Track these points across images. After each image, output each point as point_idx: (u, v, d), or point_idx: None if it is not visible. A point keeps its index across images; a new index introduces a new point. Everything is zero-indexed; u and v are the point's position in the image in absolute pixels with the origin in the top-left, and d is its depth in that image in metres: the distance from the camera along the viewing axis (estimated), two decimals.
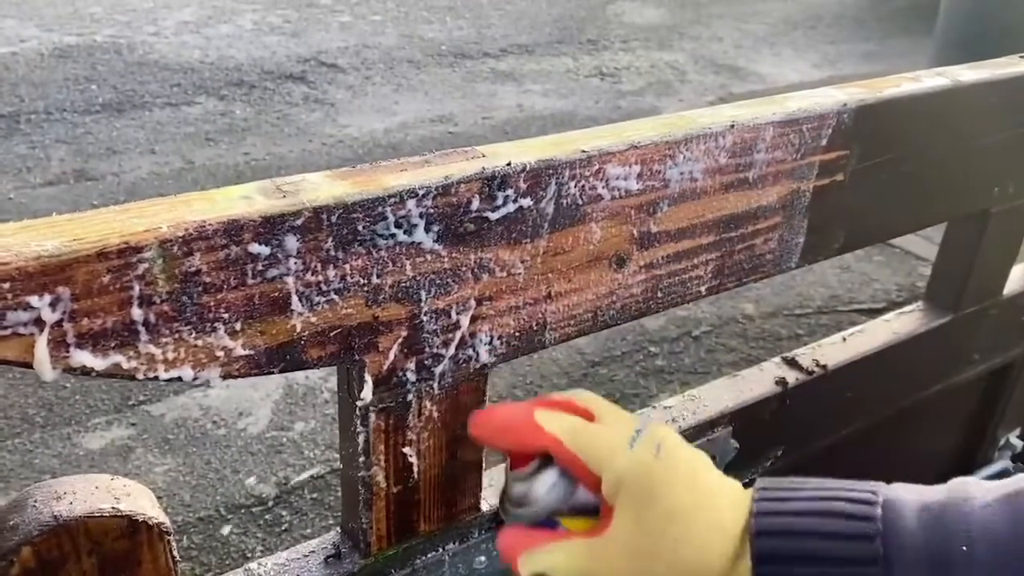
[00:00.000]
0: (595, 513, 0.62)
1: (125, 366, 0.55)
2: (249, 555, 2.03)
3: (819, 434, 1.11)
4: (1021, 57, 1.06)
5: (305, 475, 2.23)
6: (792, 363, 1.07)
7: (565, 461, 0.61)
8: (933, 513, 0.56)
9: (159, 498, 0.62)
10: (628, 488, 0.59)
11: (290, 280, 0.60)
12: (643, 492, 0.58)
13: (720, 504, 0.60)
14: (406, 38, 5.48)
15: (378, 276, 0.64)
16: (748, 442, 1.00)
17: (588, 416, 0.64)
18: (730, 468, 1.01)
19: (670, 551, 0.58)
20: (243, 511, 2.14)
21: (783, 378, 1.03)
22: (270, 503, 2.17)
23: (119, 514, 0.59)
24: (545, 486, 0.62)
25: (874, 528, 0.56)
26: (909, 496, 0.57)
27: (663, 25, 6.11)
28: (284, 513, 2.15)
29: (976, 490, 0.56)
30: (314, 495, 2.20)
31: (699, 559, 0.57)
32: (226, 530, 2.09)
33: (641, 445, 0.60)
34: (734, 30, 6.15)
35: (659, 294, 0.82)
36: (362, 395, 0.67)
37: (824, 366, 1.06)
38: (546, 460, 0.62)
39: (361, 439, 0.70)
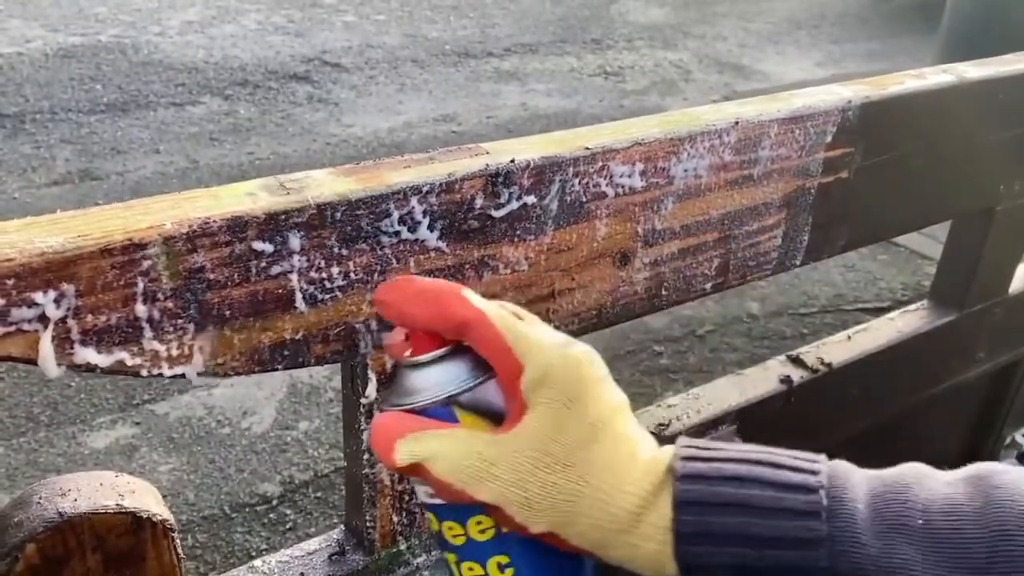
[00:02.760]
0: (497, 420, 0.52)
1: (129, 363, 0.55)
2: (254, 554, 2.03)
3: (824, 432, 1.11)
4: None
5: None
6: (797, 361, 1.06)
7: (486, 342, 0.51)
8: (885, 482, 0.50)
9: (164, 497, 0.62)
10: (554, 385, 0.50)
11: (294, 277, 0.60)
12: (570, 394, 0.50)
13: (639, 439, 0.52)
14: (410, 38, 5.48)
15: (382, 273, 0.64)
16: (752, 440, 1.00)
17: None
18: None
19: (584, 465, 0.49)
20: (248, 510, 2.15)
21: (788, 376, 1.03)
22: (275, 502, 2.17)
23: (123, 511, 0.59)
24: (450, 371, 0.52)
25: (817, 481, 0.49)
26: (857, 469, 0.51)
27: (667, 24, 6.11)
28: (289, 512, 2.15)
29: (932, 471, 0.51)
30: (318, 494, 2.21)
31: (613, 485, 0.50)
32: (231, 529, 2.09)
33: (575, 347, 0.52)
34: (738, 29, 6.14)
35: (663, 291, 0.82)
36: (366, 393, 0.67)
37: (829, 364, 1.06)
38: (456, 348, 0.53)
39: (365, 437, 0.70)
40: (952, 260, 1.19)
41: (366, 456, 0.70)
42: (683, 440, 0.52)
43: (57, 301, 0.51)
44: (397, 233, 0.63)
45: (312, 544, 0.77)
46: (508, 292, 0.72)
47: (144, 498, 0.61)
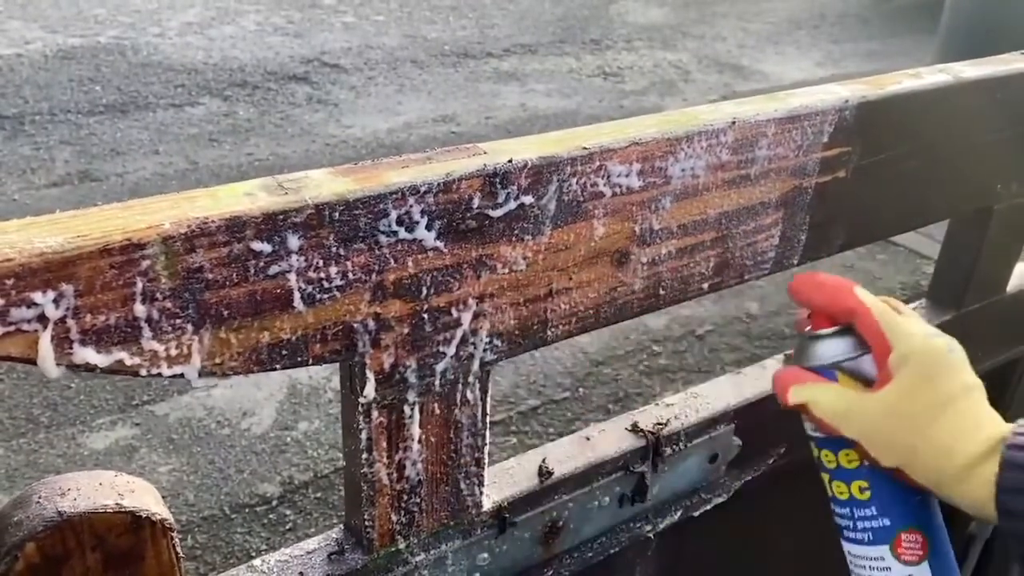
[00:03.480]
0: (867, 386, 0.69)
1: (128, 363, 0.55)
2: (254, 554, 2.03)
3: None
4: (1023, 54, 1.06)
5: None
6: None
7: (867, 327, 0.69)
8: None
9: (163, 498, 0.63)
10: (914, 364, 0.66)
11: (292, 277, 0.60)
12: (926, 372, 0.65)
13: (985, 415, 0.66)
14: (409, 38, 5.48)
15: (380, 273, 0.64)
16: (751, 440, 1.00)
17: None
18: (732, 466, 1.01)
19: (929, 427, 0.64)
20: (247, 510, 2.15)
21: None
22: (274, 502, 2.18)
23: (122, 510, 0.59)
24: (838, 344, 0.70)
25: None
26: None
27: (667, 24, 6.11)
28: (288, 512, 2.15)
29: None
30: (318, 494, 2.21)
31: (950, 446, 0.63)
32: (231, 529, 2.09)
33: (939, 338, 0.68)
34: (738, 29, 6.15)
35: (661, 291, 0.82)
36: (365, 392, 0.68)
37: None
38: (846, 328, 0.71)
39: (364, 436, 0.70)
40: (950, 259, 1.19)
41: (365, 455, 0.71)
42: (1022, 421, 0.65)
43: (56, 301, 0.51)
44: (395, 233, 0.63)
45: (311, 543, 0.77)
46: (506, 291, 0.72)
47: (143, 497, 0.61)
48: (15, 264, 0.49)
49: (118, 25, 5.31)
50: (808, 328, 0.74)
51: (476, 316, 0.71)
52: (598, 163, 0.72)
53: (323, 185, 0.61)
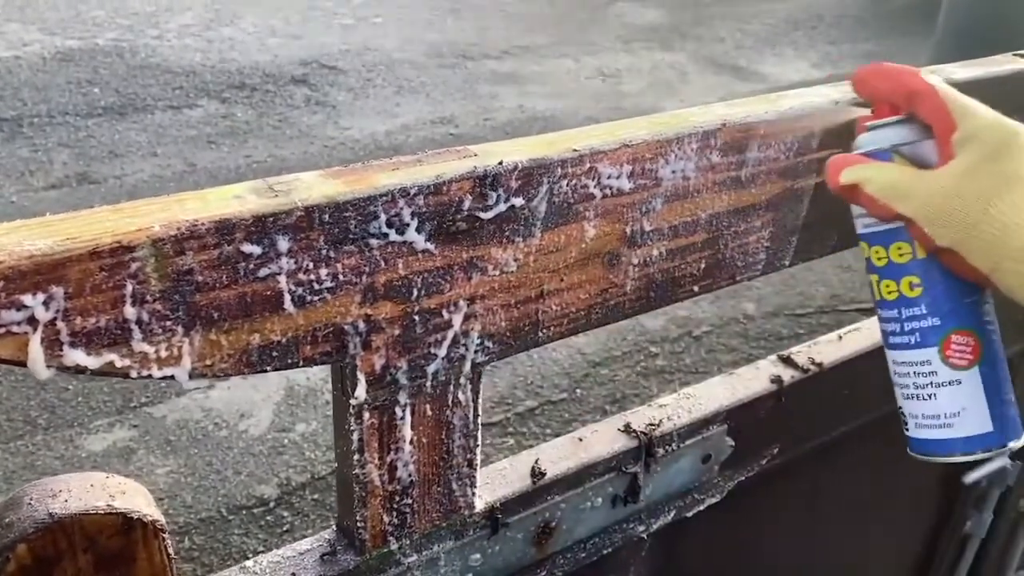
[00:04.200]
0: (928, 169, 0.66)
1: (118, 364, 0.55)
2: (251, 556, 2.04)
3: (815, 432, 1.11)
4: (1015, 55, 1.06)
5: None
6: (788, 361, 1.07)
7: (931, 108, 0.66)
8: None
9: (161, 500, 0.63)
10: (980, 142, 0.62)
11: (282, 279, 0.60)
12: (993, 150, 0.62)
13: None
14: (407, 40, 5.49)
15: (370, 275, 0.64)
16: (743, 440, 1.00)
17: None
18: (726, 466, 1.01)
19: (991, 204, 0.61)
20: (245, 512, 2.15)
21: (779, 376, 1.03)
22: (272, 504, 2.18)
23: (114, 511, 0.59)
24: (898, 131, 0.68)
25: None
26: None
27: (664, 26, 6.12)
28: (285, 514, 2.16)
29: None
30: (315, 496, 2.21)
31: (1014, 222, 0.60)
32: (228, 531, 2.10)
33: (1008, 120, 0.64)
34: (735, 30, 6.15)
35: (652, 293, 0.83)
36: (356, 394, 0.68)
37: (820, 364, 1.07)
38: (907, 117, 0.68)
39: (355, 437, 0.70)
40: None
41: (356, 457, 0.71)
42: None
43: (46, 303, 0.51)
44: (385, 235, 0.64)
45: (304, 544, 0.77)
46: (497, 293, 0.72)
47: (135, 499, 0.61)
48: (5, 267, 0.49)
49: (116, 27, 5.31)
50: (869, 121, 0.71)
51: (467, 317, 0.71)
52: (588, 165, 0.72)
53: (313, 188, 0.61)
